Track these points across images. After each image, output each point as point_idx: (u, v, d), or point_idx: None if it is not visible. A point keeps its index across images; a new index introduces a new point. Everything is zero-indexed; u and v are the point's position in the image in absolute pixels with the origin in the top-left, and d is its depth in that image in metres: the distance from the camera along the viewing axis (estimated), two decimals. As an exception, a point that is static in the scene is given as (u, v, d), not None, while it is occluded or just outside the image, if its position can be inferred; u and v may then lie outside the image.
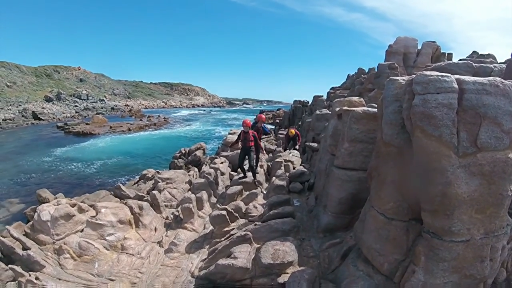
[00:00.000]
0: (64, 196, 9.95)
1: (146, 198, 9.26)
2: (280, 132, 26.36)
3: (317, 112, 14.85)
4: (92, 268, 6.13)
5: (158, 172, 13.52)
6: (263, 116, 11.80)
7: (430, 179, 3.49)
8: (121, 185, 10.83)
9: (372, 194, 4.61)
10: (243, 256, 5.55)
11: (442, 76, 3.42)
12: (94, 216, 6.93)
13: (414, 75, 3.67)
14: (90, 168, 21.55)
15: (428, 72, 3.52)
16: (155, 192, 9.31)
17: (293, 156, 12.50)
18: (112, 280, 5.98)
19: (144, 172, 13.71)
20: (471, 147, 3.34)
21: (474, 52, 19.21)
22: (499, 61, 11.32)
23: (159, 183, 11.01)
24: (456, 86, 3.41)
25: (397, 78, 4.12)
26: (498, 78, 3.46)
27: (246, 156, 10.08)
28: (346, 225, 6.16)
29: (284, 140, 16.56)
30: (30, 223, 7.03)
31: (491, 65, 6.25)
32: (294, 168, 10.60)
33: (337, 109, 7.14)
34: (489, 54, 14.30)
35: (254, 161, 10.01)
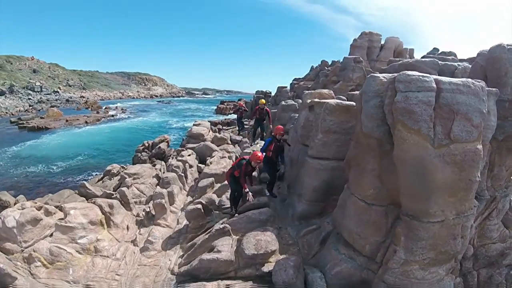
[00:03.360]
0: (26, 199, 9.16)
1: (114, 195, 8.86)
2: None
3: (283, 102, 15.06)
4: (67, 275, 5.73)
5: (123, 167, 12.95)
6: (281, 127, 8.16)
7: (409, 167, 3.88)
8: (85, 183, 10.26)
9: (351, 182, 4.95)
10: (226, 249, 5.61)
11: (423, 76, 3.83)
12: (62, 219, 6.45)
13: (396, 74, 3.99)
14: (49, 166, 20.20)
15: (410, 72, 3.89)
16: (123, 189, 8.92)
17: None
18: (89, 286, 5.67)
19: (109, 167, 13.06)
20: (445, 139, 3.77)
21: (434, 48, 20.51)
22: (459, 58, 12.22)
23: (126, 179, 10.60)
24: (435, 85, 3.82)
25: (378, 75, 4.46)
26: (470, 80, 3.95)
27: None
28: (321, 211, 6.52)
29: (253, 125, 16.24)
30: (-6, 231, 6.40)
31: (455, 63, 6.89)
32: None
33: (308, 101, 7.36)
34: (450, 52, 15.44)
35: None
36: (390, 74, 4.31)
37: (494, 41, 5.41)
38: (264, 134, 14.24)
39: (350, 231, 4.79)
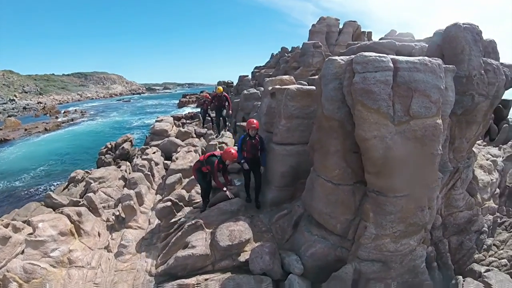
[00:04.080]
0: None
1: (81, 202, 8.50)
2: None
3: (245, 91, 15.06)
4: (45, 291, 5.49)
5: (87, 172, 12.45)
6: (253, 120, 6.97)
7: (372, 146, 4.00)
8: (51, 193, 9.79)
9: (317, 165, 5.07)
10: (200, 243, 5.58)
11: (379, 56, 3.95)
12: (32, 233, 6.15)
13: (353, 56, 4.08)
14: (12, 181, 19.09)
15: (366, 53, 4.00)
16: (90, 194, 8.59)
17: (226, 137, 12.56)
18: (68, 299, 5.46)
19: (73, 174, 12.49)
20: (405, 116, 3.94)
21: (392, 30, 21.15)
22: (416, 38, 12.62)
23: (91, 184, 10.22)
24: (392, 65, 3.95)
25: (336, 58, 4.54)
26: (426, 58, 4.12)
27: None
28: (291, 196, 6.67)
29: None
30: (-37, 254, 5.93)
31: (412, 44, 7.12)
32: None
33: (270, 88, 7.39)
34: (407, 33, 15.96)
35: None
36: (347, 57, 4.41)
37: (450, 21, 5.70)
38: (228, 123, 14.07)
39: (320, 212, 4.92)
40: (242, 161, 6.73)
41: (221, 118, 13.34)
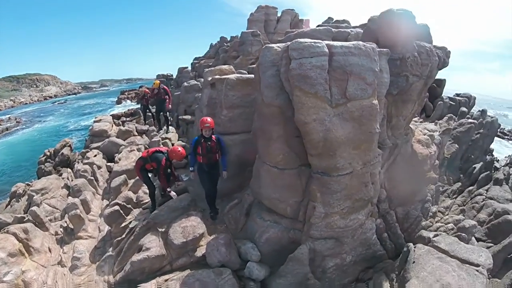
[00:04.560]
0: None
1: (26, 218, 7.89)
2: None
3: (185, 84, 14.72)
4: (5, 319, 5.05)
5: (28, 185, 11.51)
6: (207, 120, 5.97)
7: (312, 129, 4.13)
8: (-8, 212, 8.88)
9: (261, 152, 5.16)
10: (154, 245, 5.45)
11: (314, 42, 4.05)
12: None
13: (289, 43, 4.16)
14: None
15: (302, 40, 4.08)
16: (34, 208, 7.96)
17: (170, 132, 12.18)
18: (31, 324, 5.08)
19: (13, 189, 11.45)
20: (342, 98, 4.12)
21: (329, 17, 21.85)
22: (352, 25, 13.11)
23: (34, 197, 9.47)
24: (327, 50, 4.08)
25: (272, 45, 4.60)
26: (361, 42, 4.32)
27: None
28: (239, 185, 6.70)
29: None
30: None
31: (348, 30, 7.40)
32: (173, 145, 10.29)
33: (209, 78, 7.22)
34: (344, 20, 16.54)
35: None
36: (284, 44, 4.47)
37: (384, 7, 5.93)
38: (170, 118, 13.46)
39: (269, 198, 5.02)
40: (190, 169, 6.00)
41: (161, 113, 12.72)
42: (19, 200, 10.94)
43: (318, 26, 13.83)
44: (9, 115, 57.74)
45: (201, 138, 5.74)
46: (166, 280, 5.02)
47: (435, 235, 5.63)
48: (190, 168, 6.06)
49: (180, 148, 6.23)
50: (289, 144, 4.63)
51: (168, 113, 12.71)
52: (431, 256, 4.81)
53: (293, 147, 4.63)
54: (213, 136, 5.80)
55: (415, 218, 6.48)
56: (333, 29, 7.54)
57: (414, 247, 5.05)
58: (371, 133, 4.41)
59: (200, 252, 5.29)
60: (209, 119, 5.81)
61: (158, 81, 12.52)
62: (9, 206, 11.15)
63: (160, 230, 5.80)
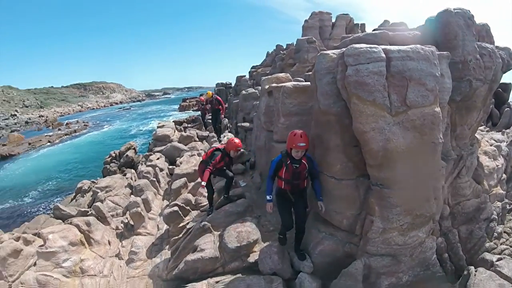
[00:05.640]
0: (3, 231, 8.69)
1: (90, 212, 8.65)
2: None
3: (243, 92, 15.03)
4: (58, 301, 5.60)
5: (94, 182, 12.61)
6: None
7: (371, 138, 3.94)
8: (59, 204, 9.94)
9: (318, 161, 4.98)
10: (209, 246, 5.60)
11: (370, 47, 3.88)
12: (43, 245, 6.26)
13: (345, 49, 4.04)
14: (20, 194, 19.43)
15: (357, 45, 3.93)
16: (97, 204, 8.71)
17: (228, 138, 12.57)
18: (83, 308, 5.57)
19: (79, 185, 12.68)
20: (402, 106, 3.87)
21: (385, 21, 21.05)
22: (410, 28, 12.43)
23: (98, 194, 10.38)
24: (384, 55, 3.88)
25: (328, 52, 4.49)
26: (419, 46, 4.05)
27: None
28: (296, 194, 6.58)
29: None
30: (-24, 269, 6.08)
31: (406, 33, 6.97)
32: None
33: (267, 86, 7.36)
34: (401, 22, 15.82)
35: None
36: (339, 50, 4.34)
37: (442, 7, 5.58)
38: (229, 125, 14.10)
39: (326, 208, 4.87)
40: (268, 198, 4.64)
41: (216, 122, 13.41)
42: (84, 195, 12.03)
43: (374, 30, 13.32)
44: (77, 119, 63.83)
45: (287, 159, 4.53)
46: (217, 282, 5.09)
47: (499, 259, 5.08)
48: (267, 197, 4.63)
49: (236, 139, 6.17)
50: (347, 153, 4.46)
51: (222, 121, 13.24)
52: (492, 282, 4.34)
53: (351, 157, 4.45)
54: (303, 159, 4.53)
55: (479, 239, 5.96)
56: (389, 33, 7.20)
57: (475, 271, 4.60)
58: (433, 143, 4.09)
59: (253, 258, 5.32)
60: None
61: (211, 92, 13.20)
62: (74, 200, 12.32)
63: (215, 233, 5.97)
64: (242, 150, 8.07)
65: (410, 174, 4.06)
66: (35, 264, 6.07)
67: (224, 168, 6.42)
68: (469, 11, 5.23)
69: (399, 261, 4.51)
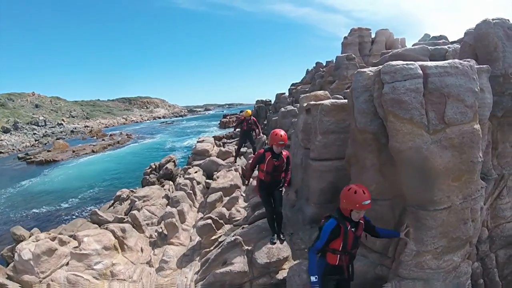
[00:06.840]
0: (40, 231, 9.32)
1: (126, 219, 8.99)
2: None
3: (282, 109, 15.15)
4: (86, 302, 5.85)
5: (132, 191, 13.14)
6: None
7: (407, 157, 3.84)
8: (97, 210, 10.43)
9: (353, 180, 4.90)
10: (238, 260, 5.63)
11: (407, 64, 3.81)
12: (77, 247, 6.59)
13: (381, 66, 4.00)
14: (60, 198, 20.45)
15: (394, 62, 3.88)
16: (134, 212, 9.06)
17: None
18: (109, 310, 5.77)
19: (118, 193, 13.28)
20: (440, 124, 3.74)
21: (425, 34, 20.55)
22: (450, 41, 12.06)
23: (136, 202, 10.73)
24: (421, 71, 3.80)
25: (365, 70, 4.48)
26: (457, 60, 3.92)
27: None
28: (331, 212, 6.42)
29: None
30: (11, 264, 6.51)
31: (445, 46, 6.80)
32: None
33: (305, 104, 7.39)
34: (440, 36, 15.34)
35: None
36: (376, 68, 4.32)
37: (482, 17, 5.38)
38: (266, 142, 14.08)
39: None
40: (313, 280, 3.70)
41: (250, 142, 13.19)
42: (122, 203, 12.49)
43: (414, 44, 13.05)
44: (120, 131, 67.39)
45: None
46: (244, 296, 5.13)
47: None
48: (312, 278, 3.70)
49: (282, 132, 5.19)
50: (383, 173, 4.35)
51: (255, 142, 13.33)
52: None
53: (387, 177, 4.33)
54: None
55: (518, 265, 5.46)
56: (429, 47, 7.01)
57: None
58: (472, 162, 3.88)
59: (281, 275, 5.26)
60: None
61: (250, 111, 13.29)
62: (112, 207, 12.84)
63: (246, 247, 5.96)
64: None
65: (447, 195, 3.87)
66: (67, 264, 6.38)
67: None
68: (508, 20, 5.01)
69: (431, 286, 4.25)
